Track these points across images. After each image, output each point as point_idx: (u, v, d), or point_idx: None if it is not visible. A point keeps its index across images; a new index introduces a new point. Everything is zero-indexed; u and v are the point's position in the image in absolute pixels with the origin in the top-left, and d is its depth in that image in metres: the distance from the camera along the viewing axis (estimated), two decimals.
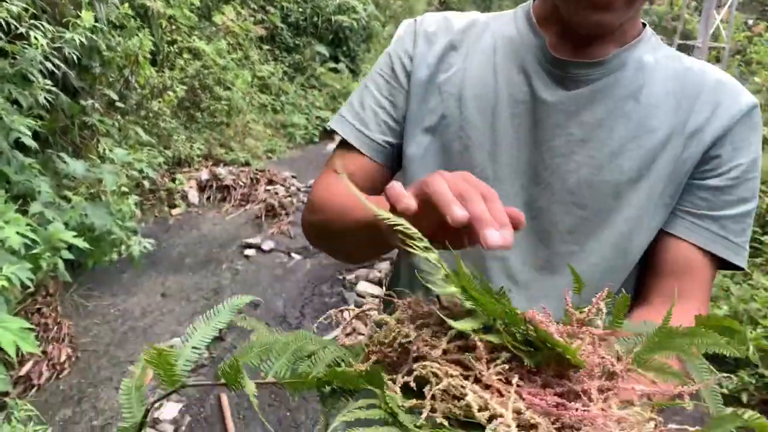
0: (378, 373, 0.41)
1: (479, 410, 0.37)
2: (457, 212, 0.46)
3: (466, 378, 0.40)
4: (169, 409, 2.64)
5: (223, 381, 0.46)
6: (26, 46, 2.62)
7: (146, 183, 4.75)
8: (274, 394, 2.80)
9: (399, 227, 0.44)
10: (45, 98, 2.89)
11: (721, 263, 0.80)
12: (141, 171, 4.32)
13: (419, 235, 0.44)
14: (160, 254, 4.14)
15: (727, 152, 0.78)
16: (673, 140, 0.77)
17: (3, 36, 2.54)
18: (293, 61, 9.27)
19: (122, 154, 3.82)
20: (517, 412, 0.37)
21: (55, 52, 2.81)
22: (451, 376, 0.40)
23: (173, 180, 5.29)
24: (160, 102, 5.64)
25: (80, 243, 2.91)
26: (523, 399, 0.38)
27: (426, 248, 0.43)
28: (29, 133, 2.84)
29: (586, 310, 0.49)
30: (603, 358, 0.43)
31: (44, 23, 2.70)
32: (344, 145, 0.90)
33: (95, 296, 3.51)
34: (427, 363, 0.41)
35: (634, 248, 0.80)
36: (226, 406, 2.68)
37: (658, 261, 0.81)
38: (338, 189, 0.84)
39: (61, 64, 2.87)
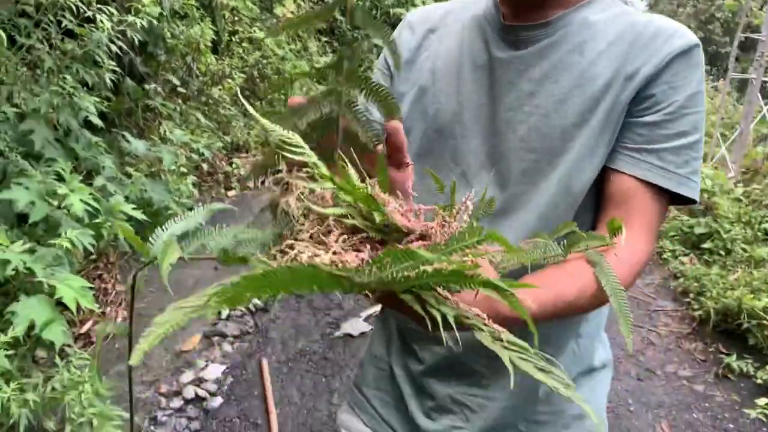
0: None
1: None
2: None
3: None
4: (214, 370, 2.82)
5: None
6: (93, 29, 2.83)
7: (205, 166, 4.99)
8: (312, 361, 2.94)
9: (284, 138, 0.55)
10: (111, 80, 3.10)
11: (670, 197, 0.83)
12: (199, 152, 4.54)
13: (299, 143, 0.55)
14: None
15: (662, 90, 0.81)
16: (614, 85, 0.82)
17: (73, 19, 2.75)
18: None
19: (180, 135, 4.03)
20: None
21: (120, 36, 3.01)
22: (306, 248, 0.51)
23: (230, 164, 5.52)
24: (220, 89, 5.89)
25: (139, 215, 3.12)
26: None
27: (305, 155, 0.54)
28: (95, 113, 3.06)
29: (456, 208, 0.58)
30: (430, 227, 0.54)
31: (110, 7, 2.90)
32: None
33: (151, 266, 3.73)
34: (292, 242, 0.53)
35: (578, 184, 0.84)
36: (266, 369, 2.83)
37: (603, 196, 0.86)
38: None
39: (128, 50, 3.08)
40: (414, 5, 9.82)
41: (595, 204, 0.89)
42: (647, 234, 0.83)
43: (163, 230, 0.65)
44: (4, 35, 2.28)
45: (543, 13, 0.87)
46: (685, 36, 0.83)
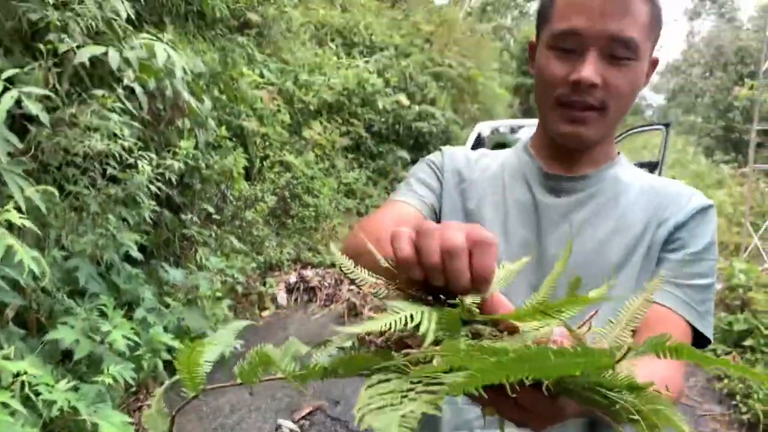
0: (389, 352, 0.50)
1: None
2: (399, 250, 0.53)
3: None
4: None
5: (240, 381, 0.56)
6: (135, 173, 3.06)
7: (239, 288, 5.13)
8: None
9: (348, 272, 0.60)
10: (150, 216, 3.31)
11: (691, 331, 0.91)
12: (234, 277, 4.69)
13: (365, 279, 0.59)
14: None
15: (687, 235, 0.95)
16: (647, 233, 0.96)
17: (117, 165, 2.99)
18: (377, 166, 9.78)
19: (216, 262, 4.19)
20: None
21: (159, 177, 3.24)
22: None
23: (264, 284, 5.66)
24: (253, 212, 6.14)
25: (177, 345, 3.21)
26: None
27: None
28: (135, 247, 3.24)
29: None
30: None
31: (151, 153, 3.15)
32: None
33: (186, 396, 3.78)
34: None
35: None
36: None
37: (641, 326, 0.93)
38: (382, 223, 0.95)
39: (164, 187, 3.30)
40: (434, 118, 10.26)
41: None
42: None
43: (196, 357, 0.58)
44: (54, 188, 2.48)
45: (578, 166, 1.00)
46: (702, 197, 0.99)
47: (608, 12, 0.86)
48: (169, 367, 3.45)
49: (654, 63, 0.97)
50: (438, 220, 1.07)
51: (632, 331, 0.84)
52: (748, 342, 4.40)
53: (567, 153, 1.00)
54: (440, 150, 1.15)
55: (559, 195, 1.00)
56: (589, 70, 0.87)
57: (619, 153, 1.06)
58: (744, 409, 3.74)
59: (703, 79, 26.64)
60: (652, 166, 6.61)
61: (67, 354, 2.75)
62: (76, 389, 2.50)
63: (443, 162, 1.11)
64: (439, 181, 1.10)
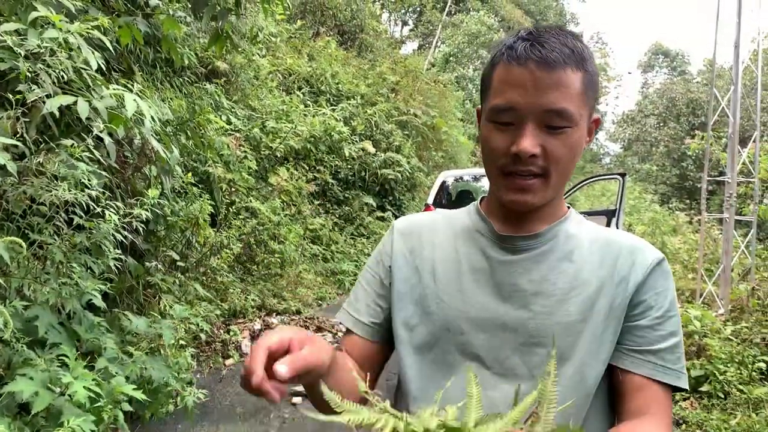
0: None
1: None
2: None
3: None
4: None
5: None
6: (101, 221, 3.06)
7: (203, 336, 5.06)
8: None
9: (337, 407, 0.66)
10: (114, 264, 3.29)
11: (668, 386, 0.98)
12: (197, 325, 4.64)
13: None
14: (212, 404, 4.34)
15: (650, 296, 0.99)
16: (605, 289, 0.99)
17: (83, 215, 2.98)
18: (343, 212, 9.85)
19: (180, 310, 4.15)
20: None
21: (126, 225, 3.24)
22: None
23: (228, 331, 5.60)
24: (218, 258, 6.11)
25: (139, 395, 3.15)
26: None
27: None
28: (99, 296, 3.20)
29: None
30: None
31: (117, 202, 3.15)
32: (348, 330, 1.16)
33: None
34: None
35: (589, 379, 0.97)
36: None
37: (617, 394, 1.00)
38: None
39: (129, 234, 3.29)
40: (400, 165, 10.42)
41: (604, 405, 1.03)
42: (667, 420, 0.96)
43: None
44: (18, 237, 2.47)
45: (529, 225, 1.05)
46: (654, 250, 1.04)
47: (541, 86, 0.91)
48: (130, 419, 3.38)
49: (596, 122, 1.03)
50: (387, 319, 1.14)
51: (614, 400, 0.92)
52: (704, 388, 4.51)
53: (518, 215, 1.05)
54: (391, 229, 1.20)
55: (514, 253, 1.04)
56: (527, 142, 0.92)
57: (569, 208, 1.11)
58: None
59: (657, 128, 27.65)
60: (610, 214, 6.83)
61: (24, 407, 2.68)
62: None
63: (393, 249, 1.16)
64: (387, 273, 1.15)
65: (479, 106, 1.08)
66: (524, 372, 0.98)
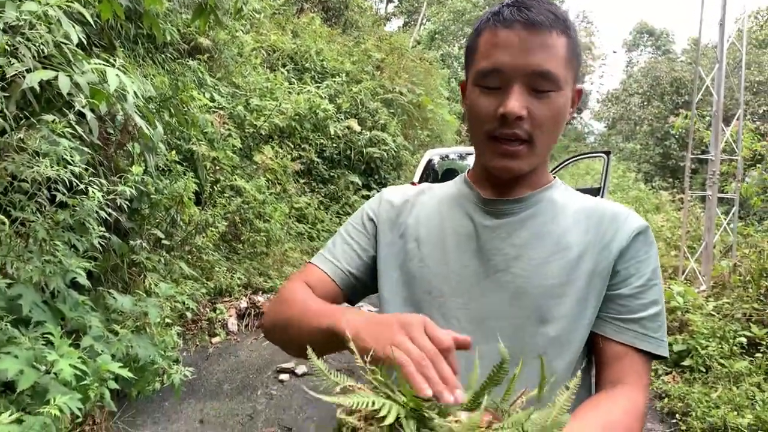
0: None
1: None
2: (424, 390, 0.66)
3: None
4: None
5: None
6: (84, 198, 3.02)
7: (189, 314, 5.05)
8: None
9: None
10: (98, 242, 3.26)
11: (651, 355, 0.99)
12: (183, 303, 4.63)
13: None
14: (199, 382, 4.34)
15: (631, 265, 1.00)
16: (587, 255, 1.00)
17: (66, 191, 2.94)
18: (328, 191, 9.82)
19: (166, 288, 4.13)
20: None
21: (109, 203, 3.20)
22: None
23: (214, 310, 5.59)
24: (203, 237, 6.08)
25: (125, 373, 3.14)
26: None
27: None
28: (83, 274, 3.17)
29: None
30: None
31: (100, 179, 3.11)
32: (316, 268, 1.15)
33: (138, 424, 3.70)
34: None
35: (573, 342, 0.99)
36: None
37: (597, 360, 1.02)
38: (303, 294, 1.06)
39: (113, 212, 3.26)
40: (385, 144, 10.38)
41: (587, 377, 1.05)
42: (642, 388, 0.97)
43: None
44: (0, 214, 2.43)
45: (515, 191, 1.06)
46: (638, 218, 1.04)
47: (528, 48, 0.93)
48: (117, 396, 3.37)
49: (578, 92, 1.04)
50: (363, 273, 1.14)
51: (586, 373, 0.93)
52: (686, 362, 4.59)
53: (503, 181, 1.05)
54: (379, 194, 1.21)
55: (498, 217, 1.04)
56: (514, 103, 0.93)
57: (555, 178, 1.12)
58: (684, 427, 3.89)
59: (642, 107, 27.75)
60: (594, 192, 6.87)
61: (10, 385, 2.67)
62: (20, 421, 2.42)
63: (379, 210, 1.16)
64: (370, 233, 1.15)
65: (463, 81, 1.08)
66: (507, 334, 0.99)
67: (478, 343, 0.99)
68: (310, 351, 0.74)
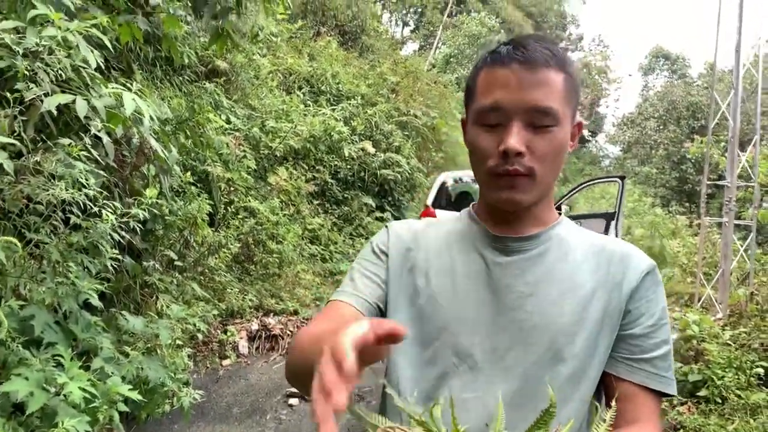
0: None
1: None
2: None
3: None
4: None
5: None
6: (98, 221, 3.04)
7: (200, 336, 5.05)
8: None
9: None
10: (111, 264, 3.28)
11: (659, 393, 0.99)
12: (195, 325, 4.62)
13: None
14: (208, 405, 4.32)
15: (642, 305, 1.00)
16: (598, 292, 1.01)
17: (81, 214, 2.97)
18: (342, 212, 9.83)
19: (177, 311, 4.14)
20: None
21: (123, 225, 3.23)
22: None
23: (225, 332, 5.58)
24: (216, 258, 6.09)
25: (135, 396, 3.14)
26: None
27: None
28: (95, 296, 3.19)
29: None
30: None
31: (115, 202, 3.14)
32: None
33: None
34: None
35: (587, 380, 0.99)
36: None
37: (610, 397, 1.00)
38: (309, 337, 0.94)
39: (126, 234, 3.28)
40: (399, 166, 10.40)
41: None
42: (657, 427, 0.98)
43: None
44: (14, 236, 2.46)
45: (523, 228, 1.06)
46: (646, 258, 1.05)
47: (525, 85, 0.94)
48: (126, 419, 3.36)
49: (579, 126, 1.04)
50: (385, 306, 1.11)
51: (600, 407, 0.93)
52: (702, 393, 4.50)
53: (510, 216, 1.05)
54: (386, 228, 1.20)
55: (509, 254, 1.04)
56: (514, 139, 0.94)
57: (560, 214, 1.12)
58: None
59: (657, 131, 27.61)
60: (609, 216, 6.82)
61: (19, 407, 2.67)
62: None
63: (389, 244, 1.15)
64: (384, 265, 1.13)
65: (464, 118, 1.09)
66: (518, 373, 0.98)
67: (497, 382, 0.99)
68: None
